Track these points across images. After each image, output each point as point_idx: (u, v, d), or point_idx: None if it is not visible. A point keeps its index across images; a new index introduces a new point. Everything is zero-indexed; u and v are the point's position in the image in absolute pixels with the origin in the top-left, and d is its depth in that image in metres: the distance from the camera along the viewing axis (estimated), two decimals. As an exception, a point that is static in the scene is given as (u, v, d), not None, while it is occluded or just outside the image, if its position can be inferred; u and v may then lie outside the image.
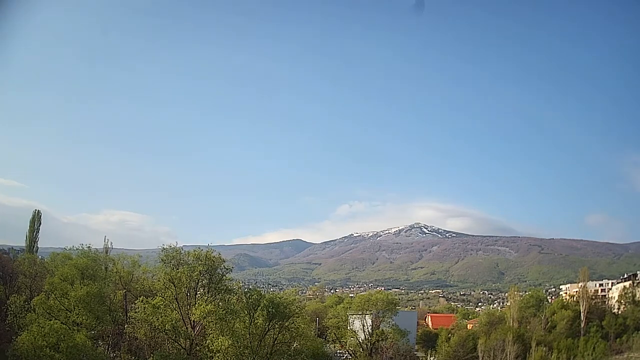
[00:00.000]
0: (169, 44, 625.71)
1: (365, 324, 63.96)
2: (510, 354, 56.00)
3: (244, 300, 45.54)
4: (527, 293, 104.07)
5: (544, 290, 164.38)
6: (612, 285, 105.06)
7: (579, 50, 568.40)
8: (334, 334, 66.18)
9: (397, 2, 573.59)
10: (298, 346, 49.94)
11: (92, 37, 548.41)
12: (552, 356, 56.40)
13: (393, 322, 64.33)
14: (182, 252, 45.99)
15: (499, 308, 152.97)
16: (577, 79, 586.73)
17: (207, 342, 41.91)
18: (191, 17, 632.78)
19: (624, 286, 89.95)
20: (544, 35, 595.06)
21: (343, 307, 70.45)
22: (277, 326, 44.76)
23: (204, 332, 43.64)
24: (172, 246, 46.00)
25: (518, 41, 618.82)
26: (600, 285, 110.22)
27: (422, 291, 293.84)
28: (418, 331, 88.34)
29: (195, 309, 41.33)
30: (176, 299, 43.36)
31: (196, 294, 44.57)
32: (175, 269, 43.85)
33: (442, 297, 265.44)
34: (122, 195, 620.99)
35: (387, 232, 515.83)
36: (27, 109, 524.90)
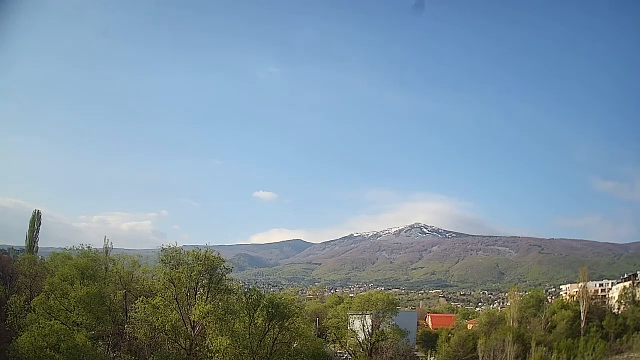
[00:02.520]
0: (159, 50, 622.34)
1: (365, 324, 63.91)
2: (510, 354, 55.86)
3: (244, 300, 45.57)
4: (527, 293, 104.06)
5: (544, 290, 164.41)
6: (612, 285, 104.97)
7: (575, 54, 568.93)
8: (334, 334, 66.19)
9: (396, 3, 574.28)
10: (298, 346, 49.91)
11: (88, 42, 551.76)
12: (552, 356, 56.23)
13: (393, 322, 64.26)
14: (182, 252, 45.97)
15: (499, 308, 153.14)
16: (579, 87, 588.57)
17: (207, 342, 41.95)
18: (174, 17, 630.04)
19: (624, 286, 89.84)
20: (532, 36, 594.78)
21: (343, 307, 70.47)
22: (276, 326, 44.67)
23: (204, 332, 43.62)
24: (172, 246, 46.03)
25: (509, 45, 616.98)
26: (600, 285, 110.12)
27: (422, 291, 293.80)
28: (418, 331, 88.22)
29: (195, 309, 41.30)
30: (176, 299, 43.31)
31: (196, 294, 44.47)
32: (174, 269, 43.84)
33: (442, 297, 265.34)
34: (114, 196, 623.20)
35: (387, 232, 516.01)
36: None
